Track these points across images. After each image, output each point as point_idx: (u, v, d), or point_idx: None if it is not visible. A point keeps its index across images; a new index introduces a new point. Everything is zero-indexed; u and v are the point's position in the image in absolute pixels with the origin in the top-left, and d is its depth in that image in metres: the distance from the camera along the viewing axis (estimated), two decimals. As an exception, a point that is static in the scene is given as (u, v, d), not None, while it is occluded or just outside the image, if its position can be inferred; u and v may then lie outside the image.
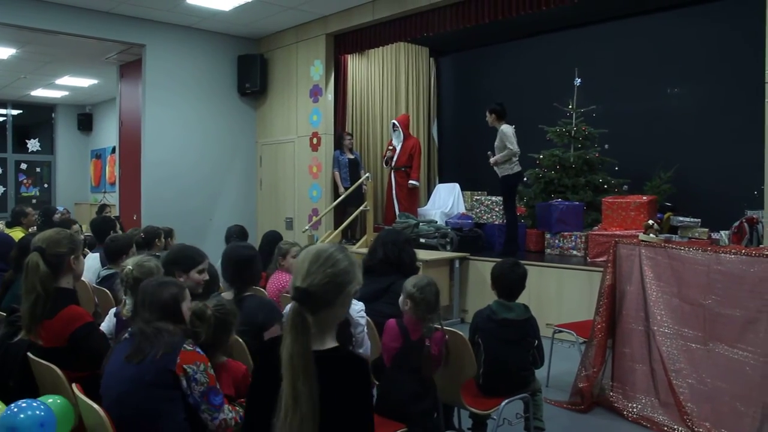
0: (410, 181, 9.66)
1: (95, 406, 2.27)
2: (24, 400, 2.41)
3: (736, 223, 6.25)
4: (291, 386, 1.74)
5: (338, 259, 1.97)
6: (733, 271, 4.07)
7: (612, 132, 8.70)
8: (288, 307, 2.87)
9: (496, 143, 7.58)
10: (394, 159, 9.66)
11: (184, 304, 2.66)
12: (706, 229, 6.36)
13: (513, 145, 7.41)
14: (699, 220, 6.78)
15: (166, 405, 2.37)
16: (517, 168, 7.56)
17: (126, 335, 2.55)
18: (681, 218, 6.98)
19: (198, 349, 2.48)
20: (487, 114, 7.64)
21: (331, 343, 1.94)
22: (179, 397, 2.39)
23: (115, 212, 10.22)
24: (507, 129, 7.50)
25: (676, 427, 4.24)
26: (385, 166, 10.02)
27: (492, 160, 7.56)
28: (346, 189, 9.35)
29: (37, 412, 2.37)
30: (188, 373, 2.36)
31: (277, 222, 10.17)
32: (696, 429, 4.11)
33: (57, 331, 2.81)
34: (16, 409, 2.37)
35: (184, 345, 2.43)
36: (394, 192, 9.67)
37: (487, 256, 7.72)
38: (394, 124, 9.83)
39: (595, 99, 8.70)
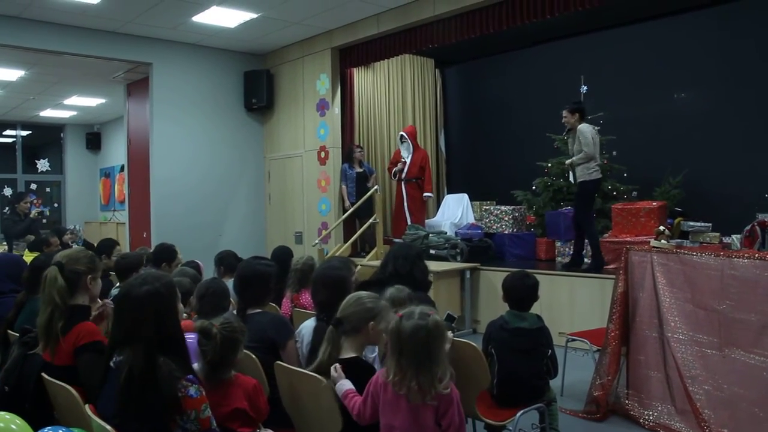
0: (425, 194, 9.69)
1: (109, 428, 2.24)
2: (51, 428, 2.37)
3: (748, 227, 6.18)
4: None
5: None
6: (747, 275, 4.05)
7: (620, 138, 8.64)
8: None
9: (575, 146, 7.20)
10: (405, 171, 9.65)
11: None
12: (718, 234, 6.31)
13: (589, 147, 6.97)
14: (710, 224, 6.74)
15: None
16: (597, 174, 7.11)
17: (115, 361, 2.40)
18: (692, 223, 6.93)
19: (191, 389, 2.34)
20: (568, 114, 7.18)
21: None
22: None
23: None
24: (586, 129, 7.06)
25: (693, 434, 4.20)
26: (392, 178, 9.98)
27: (568, 162, 7.27)
28: (352, 204, 9.32)
29: None
30: (179, 423, 2.30)
31: (287, 236, 10.18)
32: (714, 436, 4.07)
33: (67, 347, 2.82)
34: None
35: (179, 389, 2.32)
36: (405, 204, 9.64)
37: (498, 265, 7.70)
38: (402, 135, 9.81)
39: (602, 106, 8.66)
